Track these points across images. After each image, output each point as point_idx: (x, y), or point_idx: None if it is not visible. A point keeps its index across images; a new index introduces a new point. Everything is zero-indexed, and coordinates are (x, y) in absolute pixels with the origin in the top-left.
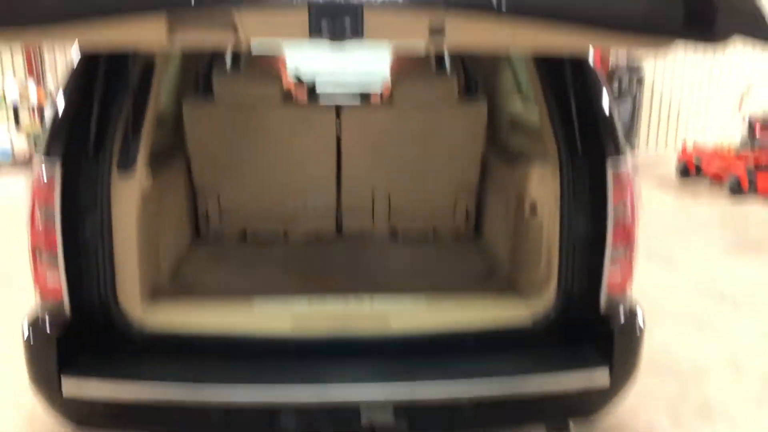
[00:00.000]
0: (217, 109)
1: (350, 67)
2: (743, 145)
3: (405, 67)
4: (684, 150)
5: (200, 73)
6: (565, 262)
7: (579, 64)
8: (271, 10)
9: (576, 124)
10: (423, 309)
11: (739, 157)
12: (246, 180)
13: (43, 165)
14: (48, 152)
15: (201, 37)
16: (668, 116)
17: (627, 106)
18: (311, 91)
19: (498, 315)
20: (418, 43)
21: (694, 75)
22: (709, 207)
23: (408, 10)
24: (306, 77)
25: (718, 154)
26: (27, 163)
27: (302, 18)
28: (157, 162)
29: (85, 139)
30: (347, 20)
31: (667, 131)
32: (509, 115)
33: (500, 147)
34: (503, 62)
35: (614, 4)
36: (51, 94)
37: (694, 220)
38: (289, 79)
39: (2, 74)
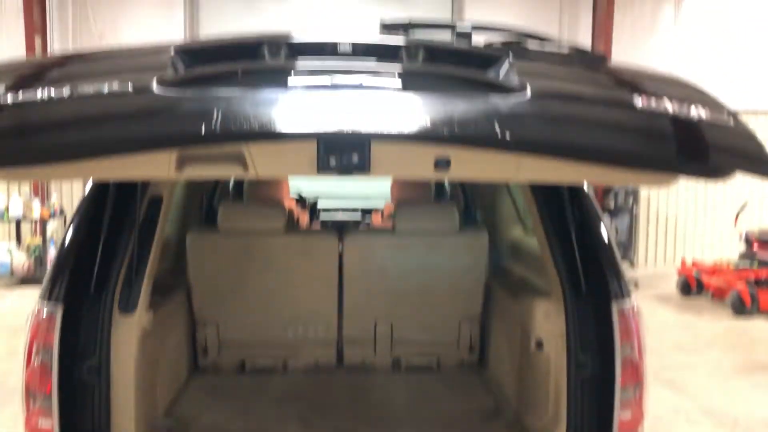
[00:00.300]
0: (220, 238)
1: (351, 186)
2: (742, 260)
3: (406, 187)
4: (684, 265)
5: (204, 201)
6: (575, 403)
7: (577, 197)
8: (281, 145)
9: (578, 261)
10: None
11: (739, 272)
12: (246, 310)
13: (45, 306)
14: (50, 293)
15: (210, 171)
16: (665, 231)
17: (624, 221)
18: (312, 208)
19: None
20: (423, 174)
21: (689, 190)
22: (713, 324)
23: (414, 144)
24: (308, 195)
25: (718, 269)
26: (25, 276)
27: (310, 154)
28: (158, 293)
29: (88, 279)
30: (354, 156)
31: (665, 246)
32: (510, 242)
33: (502, 275)
34: (502, 189)
35: (618, 140)
36: (54, 209)
37: (699, 339)
38: (290, 196)
39: (8, 192)
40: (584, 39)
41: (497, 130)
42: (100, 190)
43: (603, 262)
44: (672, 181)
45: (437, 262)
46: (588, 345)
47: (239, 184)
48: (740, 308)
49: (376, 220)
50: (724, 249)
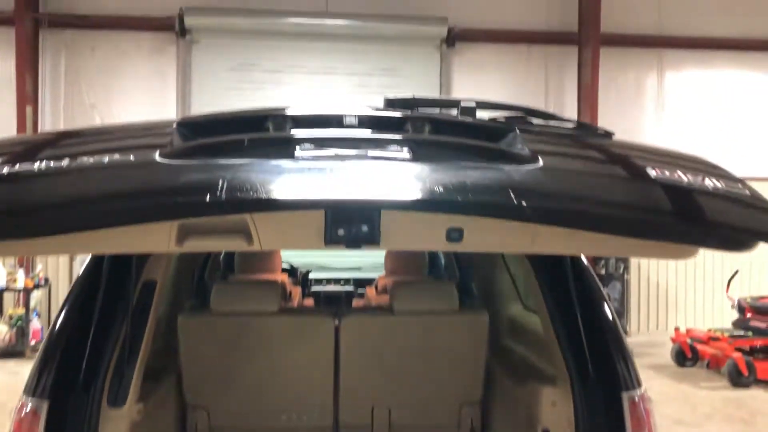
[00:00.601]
0: (213, 320)
1: (344, 257)
2: (736, 329)
3: (399, 258)
4: (678, 333)
5: (196, 275)
6: None
7: (579, 272)
8: (287, 216)
9: (585, 345)
10: None
11: (734, 341)
12: (238, 395)
13: (29, 401)
14: (35, 387)
15: (213, 243)
16: (657, 299)
17: (615, 288)
18: (305, 279)
19: None
20: (435, 246)
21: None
22: (711, 395)
23: (427, 214)
24: (299, 265)
25: (712, 338)
26: (6, 347)
27: (318, 225)
28: (148, 378)
29: (76, 372)
30: (364, 227)
31: (658, 314)
32: (508, 319)
33: (502, 355)
34: (499, 263)
35: (638, 210)
36: (39, 279)
37: (698, 411)
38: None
39: None
40: (570, 110)
41: (513, 198)
42: (91, 274)
43: (611, 346)
44: (693, 253)
45: (436, 343)
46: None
47: (230, 255)
48: (737, 378)
49: (370, 293)
50: (717, 317)
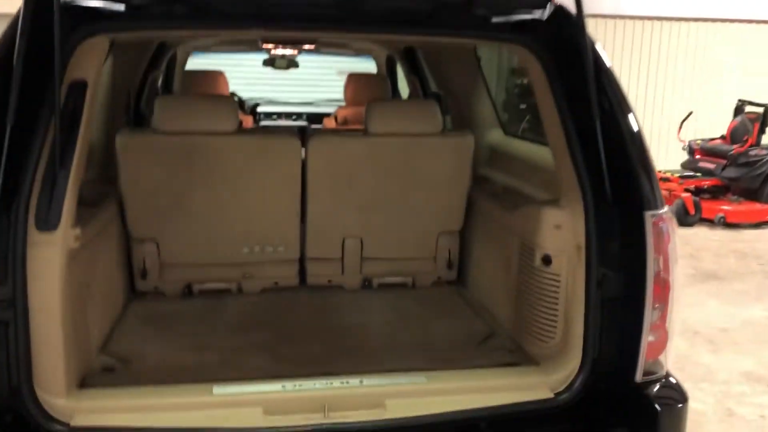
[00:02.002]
0: (156, 140)
1: (292, 89)
2: (685, 170)
3: (361, 87)
4: None
5: (131, 100)
6: (593, 324)
7: (604, 80)
8: None
9: (604, 160)
10: (424, 389)
11: (683, 182)
12: (192, 224)
13: None
14: None
15: None
16: None
17: None
18: (253, 111)
19: (512, 390)
20: None
21: (637, 99)
22: None
23: None
24: (245, 100)
25: (662, 178)
26: None
27: None
28: (84, 208)
29: None
30: None
31: None
32: (488, 147)
33: (484, 185)
34: (478, 86)
35: None
36: None
37: None
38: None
39: None
40: None
41: None
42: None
43: (634, 160)
44: None
45: (415, 168)
46: (611, 260)
47: (169, 80)
48: (684, 217)
49: (329, 124)
50: (669, 160)
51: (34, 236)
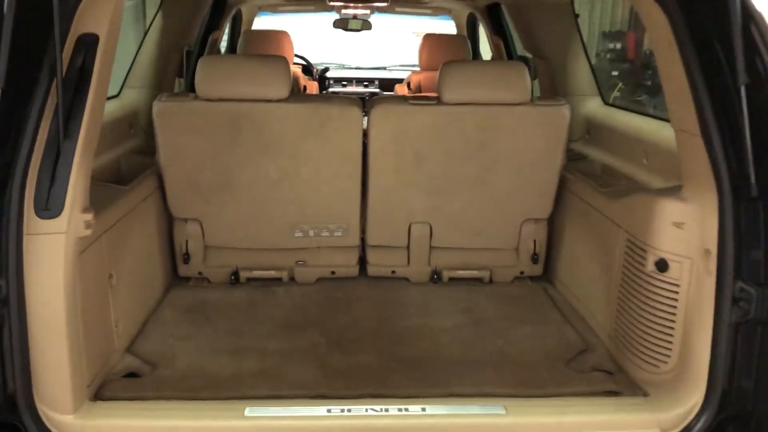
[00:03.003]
0: (199, 107)
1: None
2: None
3: (440, 49)
4: None
5: (188, 62)
6: (724, 350)
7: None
8: None
9: (748, 142)
10: (502, 424)
11: None
12: (239, 204)
13: None
14: None
15: None
16: None
17: None
18: (322, 77)
19: (614, 430)
20: None
21: None
22: None
23: None
24: (314, 65)
25: None
26: None
27: None
28: (114, 182)
29: None
30: None
31: None
32: (583, 119)
33: (578, 164)
34: (574, 51)
35: None
36: None
37: None
38: (294, 62)
39: None
40: None
41: None
42: None
43: None
44: None
45: (497, 144)
46: (753, 271)
47: (234, 41)
48: None
49: (401, 91)
50: None
51: (33, 223)
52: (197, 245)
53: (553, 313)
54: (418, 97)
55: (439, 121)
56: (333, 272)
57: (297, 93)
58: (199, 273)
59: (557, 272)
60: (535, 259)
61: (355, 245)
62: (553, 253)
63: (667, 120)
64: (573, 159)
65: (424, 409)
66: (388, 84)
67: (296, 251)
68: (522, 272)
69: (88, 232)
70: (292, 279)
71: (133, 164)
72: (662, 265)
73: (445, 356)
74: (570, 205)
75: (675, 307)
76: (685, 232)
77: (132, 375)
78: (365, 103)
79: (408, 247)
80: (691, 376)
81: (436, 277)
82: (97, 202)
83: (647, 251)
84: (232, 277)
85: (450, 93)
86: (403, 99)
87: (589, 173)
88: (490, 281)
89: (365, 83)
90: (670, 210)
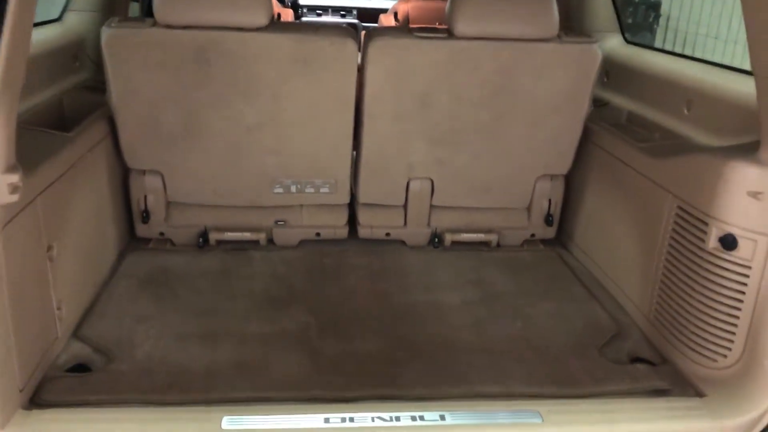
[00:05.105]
0: (157, 36)
1: None
2: None
3: None
4: None
5: None
6: None
7: None
8: None
9: None
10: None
11: None
12: (206, 152)
13: None
14: None
15: None
16: None
17: None
18: (295, 5)
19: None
20: None
21: None
22: None
23: None
24: None
25: None
26: None
27: None
28: (55, 127)
29: None
30: None
31: None
32: (604, 59)
33: (603, 110)
34: None
35: None
36: None
37: None
38: None
39: None
40: None
41: None
42: None
43: None
44: None
45: (515, 86)
46: None
47: None
48: None
49: (387, 21)
50: None
51: None
52: (158, 201)
53: (575, 286)
54: (425, 29)
55: (449, 59)
56: (318, 233)
57: (275, 21)
58: (161, 234)
59: (574, 236)
60: (549, 220)
61: (344, 203)
62: (569, 214)
63: (712, 63)
64: (595, 106)
65: (443, 417)
66: (369, 14)
67: (275, 209)
68: (533, 235)
69: (15, 197)
70: (270, 242)
71: (78, 104)
72: (729, 242)
73: (458, 343)
74: (595, 161)
75: (743, 292)
76: (763, 203)
77: (80, 367)
78: (360, 35)
79: (405, 206)
80: (762, 375)
81: (436, 241)
82: (28, 156)
83: (709, 224)
84: (201, 240)
85: (464, 25)
86: (406, 31)
87: (613, 123)
88: (498, 245)
89: (342, 12)
90: (744, 176)
